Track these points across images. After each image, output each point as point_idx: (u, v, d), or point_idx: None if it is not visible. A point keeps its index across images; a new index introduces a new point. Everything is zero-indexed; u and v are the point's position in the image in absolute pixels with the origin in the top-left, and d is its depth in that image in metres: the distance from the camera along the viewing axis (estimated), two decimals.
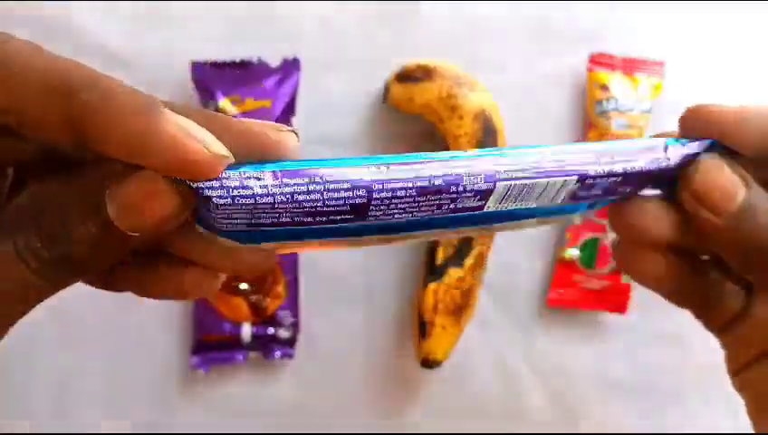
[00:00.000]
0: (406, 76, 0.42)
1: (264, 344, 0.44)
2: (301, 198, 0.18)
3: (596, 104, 0.44)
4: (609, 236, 0.45)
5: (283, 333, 0.44)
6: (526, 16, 0.45)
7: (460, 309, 0.42)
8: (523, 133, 0.44)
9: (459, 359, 0.45)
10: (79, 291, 0.44)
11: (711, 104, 0.23)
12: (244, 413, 0.45)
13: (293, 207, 0.18)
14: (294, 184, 0.17)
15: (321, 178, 0.18)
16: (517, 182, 0.19)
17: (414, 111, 0.43)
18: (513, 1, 0.45)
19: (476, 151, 0.19)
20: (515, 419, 0.46)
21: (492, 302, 0.46)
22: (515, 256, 0.46)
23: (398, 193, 0.18)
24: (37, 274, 0.18)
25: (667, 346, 0.46)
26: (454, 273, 0.42)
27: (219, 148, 0.17)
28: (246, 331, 0.44)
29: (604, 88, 0.44)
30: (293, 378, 0.45)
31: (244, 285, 0.44)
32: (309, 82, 0.44)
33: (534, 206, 0.21)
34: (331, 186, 0.18)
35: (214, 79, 0.42)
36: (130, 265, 0.20)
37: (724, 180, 0.21)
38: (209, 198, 0.17)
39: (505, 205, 0.20)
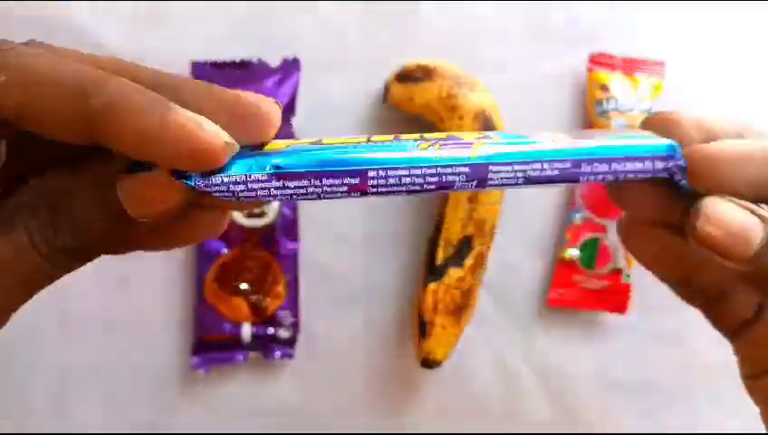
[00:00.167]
0: (406, 76, 0.42)
1: (264, 344, 0.44)
2: (300, 191, 0.19)
3: (596, 104, 0.44)
4: (609, 236, 0.45)
5: (283, 333, 0.44)
6: (526, 16, 0.45)
7: (460, 309, 0.42)
8: None
9: (459, 359, 0.45)
10: (79, 291, 0.45)
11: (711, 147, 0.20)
12: (244, 413, 0.45)
13: (293, 197, 0.19)
14: (295, 186, 0.19)
15: (320, 181, 0.19)
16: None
17: (414, 111, 0.43)
18: (513, 1, 0.45)
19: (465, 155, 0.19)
20: (515, 419, 0.46)
21: (492, 302, 0.46)
22: (515, 256, 0.46)
23: (394, 188, 0.20)
24: (48, 260, 0.18)
25: (667, 346, 0.46)
26: (454, 273, 0.42)
27: (225, 136, 0.18)
28: (246, 331, 0.44)
29: (604, 88, 0.44)
30: (293, 378, 0.45)
31: (244, 285, 0.44)
32: (309, 82, 0.44)
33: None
34: (329, 188, 0.19)
35: (214, 79, 0.42)
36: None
37: (738, 226, 0.19)
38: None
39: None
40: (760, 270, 0.20)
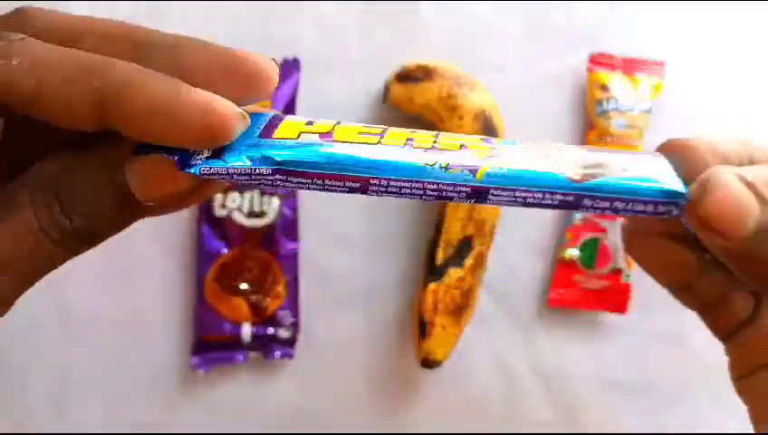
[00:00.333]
0: (406, 76, 0.42)
1: (264, 344, 0.44)
2: (303, 186, 0.19)
3: (596, 104, 0.44)
4: (610, 237, 0.45)
5: (283, 333, 0.44)
6: (526, 16, 0.45)
7: (460, 309, 0.42)
8: (523, 133, 0.44)
9: (459, 359, 0.45)
10: (79, 291, 0.45)
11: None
12: (244, 413, 0.45)
13: (295, 188, 0.20)
14: (297, 182, 0.19)
15: (323, 181, 0.19)
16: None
17: (414, 112, 0.43)
18: (513, 1, 0.45)
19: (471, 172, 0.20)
20: (515, 419, 0.46)
21: (492, 302, 0.46)
22: (515, 256, 0.46)
23: (393, 195, 0.20)
24: (57, 243, 0.18)
25: (667, 346, 0.46)
26: (454, 273, 0.42)
27: (236, 108, 0.18)
28: (246, 331, 0.44)
29: (604, 88, 0.44)
30: (293, 378, 0.45)
31: (244, 285, 0.44)
32: (309, 82, 0.44)
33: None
34: (331, 186, 0.19)
35: None
36: None
37: (737, 203, 0.18)
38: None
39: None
40: (753, 258, 0.20)
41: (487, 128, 0.41)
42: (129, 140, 0.18)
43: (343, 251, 0.45)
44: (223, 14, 0.44)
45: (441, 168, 0.19)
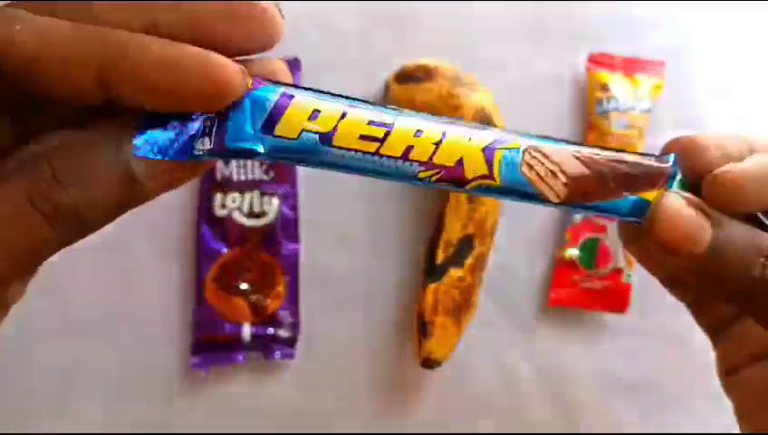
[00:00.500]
0: (406, 76, 0.42)
1: (264, 344, 0.44)
2: (298, 164, 0.20)
3: (596, 104, 0.44)
4: (610, 236, 0.45)
5: (283, 333, 0.44)
6: (526, 16, 0.45)
7: (460, 309, 0.42)
8: None
9: (459, 359, 0.44)
10: (79, 291, 0.45)
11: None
12: (244, 413, 0.45)
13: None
14: (294, 163, 0.20)
15: (317, 166, 0.20)
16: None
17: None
18: (512, 1, 0.45)
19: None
20: (515, 419, 0.46)
21: (492, 302, 0.46)
22: (515, 256, 0.46)
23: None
24: (50, 222, 0.17)
25: (667, 346, 0.46)
26: (454, 273, 0.42)
27: (240, 67, 0.18)
28: (246, 331, 0.44)
29: (604, 88, 0.44)
30: (293, 378, 0.45)
31: (244, 285, 0.44)
32: (309, 83, 0.44)
33: None
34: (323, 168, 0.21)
35: None
36: None
37: (688, 224, 0.20)
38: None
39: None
40: (711, 277, 0.21)
41: None
42: (131, 116, 0.18)
43: (343, 251, 0.45)
44: None
45: (430, 181, 0.21)
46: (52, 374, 0.44)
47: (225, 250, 0.44)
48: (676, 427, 0.46)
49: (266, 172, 0.44)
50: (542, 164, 0.21)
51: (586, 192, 0.21)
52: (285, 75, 0.20)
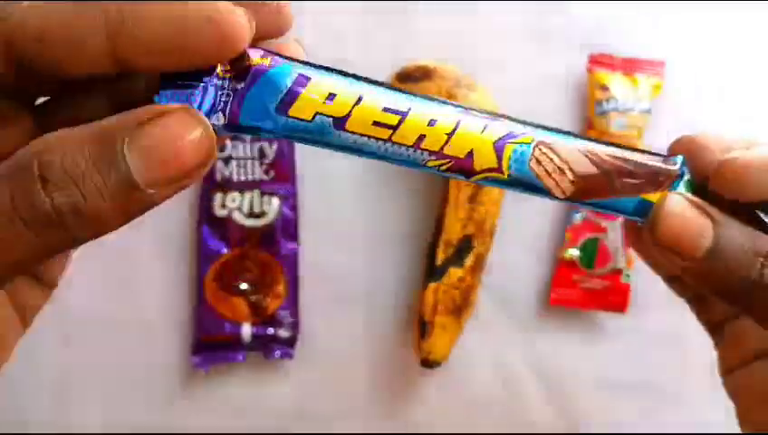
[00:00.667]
0: (406, 76, 0.42)
1: (264, 344, 0.44)
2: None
3: (596, 104, 0.44)
4: (609, 237, 0.45)
5: (283, 333, 0.44)
6: (526, 16, 0.45)
7: (460, 309, 0.42)
8: None
9: (459, 359, 0.45)
10: (79, 291, 0.45)
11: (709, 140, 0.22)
12: (244, 413, 0.45)
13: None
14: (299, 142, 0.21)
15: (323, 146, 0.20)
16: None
17: None
18: (512, 1, 0.45)
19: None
20: (515, 419, 0.46)
21: (492, 302, 0.46)
22: (515, 256, 0.46)
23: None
24: (38, 234, 0.16)
25: (667, 346, 0.46)
26: (454, 273, 0.42)
27: (244, 17, 0.18)
28: (246, 331, 0.44)
29: (604, 88, 0.44)
30: (293, 378, 0.45)
31: (244, 285, 0.44)
32: None
33: None
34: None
35: None
36: None
37: (690, 225, 0.20)
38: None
39: None
40: (711, 279, 0.21)
41: None
42: (145, 72, 0.18)
43: (343, 251, 0.45)
44: None
45: (438, 170, 0.21)
46: (53, 374, 0.44)
47: (225, 250, 0.44)
48: (676, 427, 0.46)
49: (266, 172, 0.44)
50: (552, 161, 0.21)
51: (592, 190, 0.21)
52: (302, 56, 0.20)
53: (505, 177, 0.21)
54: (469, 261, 0.42)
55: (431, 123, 0.20)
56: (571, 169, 0.21)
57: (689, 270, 0.21)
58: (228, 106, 0.19)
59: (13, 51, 0.17)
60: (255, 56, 0.19)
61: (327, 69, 0.20)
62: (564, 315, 0.46)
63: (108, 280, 0.44)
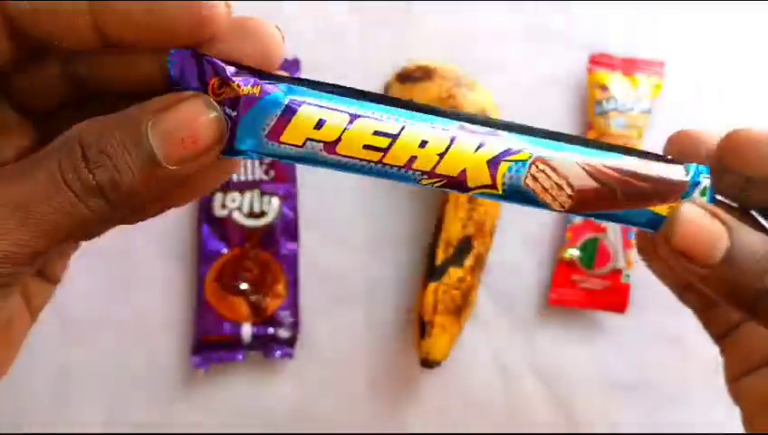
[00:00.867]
0: (406, 76, 0.42)
1: (264, 344, 0.44)
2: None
3: (596, 104, 0.44)
4: (609, 236, 0.45)
5: (283, 333, 0.44)
6: (526, 17, 0.45)
7: (460, 309, 0.42)
8: None
9: (459, 359, 0.45)
10: (79, 291, 0.45)
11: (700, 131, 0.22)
12: (244, 413, 0.45)
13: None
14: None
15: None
16: None
17: None
18: (513, 1, 0.45)
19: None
20: (515, 419, 0.46)
21: (492, 302, 0.46)
22: (515, 256, 0.46)
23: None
24: (79, 197, 0.18)
25: (667, 346, 0.46)
26: (454, 273, 0.42)
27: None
28: (246, 331, 0.44)
29: (604, 88, 0.44)
30: (293, 378, 0.45)
31: (244, 285, 0.44)
32: None
33: None
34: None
35: None
36: None
37: (706, 232, 0.20)
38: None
39: None
40: (726, 286, 0.21)
41: None
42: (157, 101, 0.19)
43: (343, 251, 0.45)
44: None
45: (435, 187, 0.21)
46: (53, 374, 0.44)
47: (225, 250, 0.44)
48: (676, 427, 0.46)
49: (266, 172, 0.44)
50: (549, 177, 0.21)
51: (592, 203, 0.21)
52: (277, 46, 0.21)
53: (500, 192, 0.21)
54: (469, 261, 0.42)
55: (422, 145, 0.20)
56: (569, 185, 0.21)
57: (704, 277, 0.21)
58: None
59: (13, 25, 0.19)
60: (245, 86, 0.20)
61: (318, 86, 0.20)
62: (564, 315, 0.46)
63: (108, 280, 0.44)
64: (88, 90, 0.21)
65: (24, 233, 0.18)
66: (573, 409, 0.46)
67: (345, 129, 0.20)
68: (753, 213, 0.24)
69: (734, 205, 0.24)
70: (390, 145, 0.20)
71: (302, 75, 0.44)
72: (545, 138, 0.21)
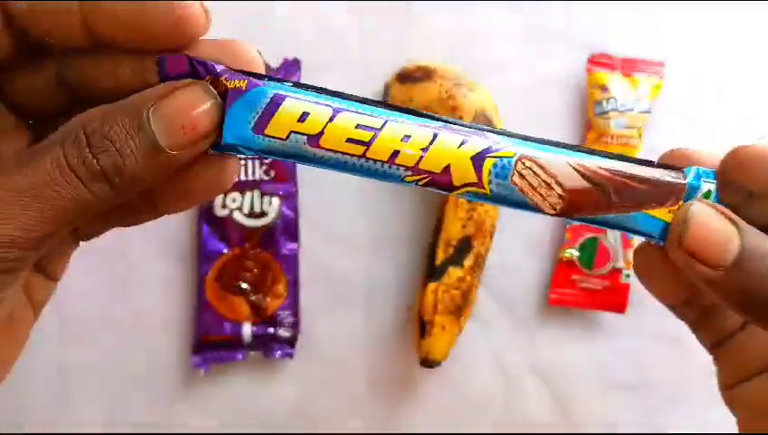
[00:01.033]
0: (406, 76, 0.43)
1: (265, 344, 0.44)
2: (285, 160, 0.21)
3: (595, 105, 0.44)
4: (609, 237, 0.45)
5: (284, 333, 0.44)
6: (526, 17, 0.45)
7: (460, 309, 0.42)
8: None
9: (459, 359, 0.45)
10: (79, 291, 0.45)
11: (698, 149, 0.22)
12: (244, 413, 0.45)
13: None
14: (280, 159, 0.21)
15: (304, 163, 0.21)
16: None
17: None
18: (513, 1, 0.45)
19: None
20: (515, 418, 0.46)
21: (492, 302, 0.46)
22: (515, 256, 0.46)
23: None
24: (87, 186, 0.19)
25: (667, 346, 0.46)
26: (453, 273, 0.42)
27: (202, 6, 0.20)
28: (247, 330, 0.44)
29: (604, 88, 0.44)
30: (294, 377, 0.45)
31: (244, 285, 0.44)
32: (309, 82, 0.44)
33: None
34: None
35: None
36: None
37: (718, 233, 0.20)
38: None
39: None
40: (736, 288, 0.20)
41: None
42: (156, 89, 0.19)
43: (343, 251, 0.45)
44: (223, 14, 0.44)
45: (418, 184, 0.21)
46: (53, 374, 0.44)
47: (225, 250, 0.44)
48: (676, 427, 0.46)
49: (266, 172, 0.44)
50: (536, 175, 0.20)
51: (585, 205, 0.20)
52: (258, 64, 0.21)
53: (487, 192, 0.20)
54: (469, 261, 0.42)
55: (405, 139, 0.20)
56: (558, 184, 0.20)
57: (712, 281, 0.20)
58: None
59: (11, 22, 0.19)
60: (233, 79, 0.20)
61: (304, 86, 0.21)
62: (564, 315, 0.46)
63: (108, 280, 0.44)
64: (81, 97, 0.21)
65: (29, 218, 0.18)
66: (573, 408, 0.46)
67: (328, 122, 0.20)
68: None
69: None
70: (373, 139, 0.20)
71: (302, 75, 0.44)
72: (531, 141, 0.21)
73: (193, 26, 0.20)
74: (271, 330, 0.44)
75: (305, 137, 0.20)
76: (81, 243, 0.24)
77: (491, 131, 0.21)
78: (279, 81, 0.21)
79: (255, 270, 0.44)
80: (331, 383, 0.45)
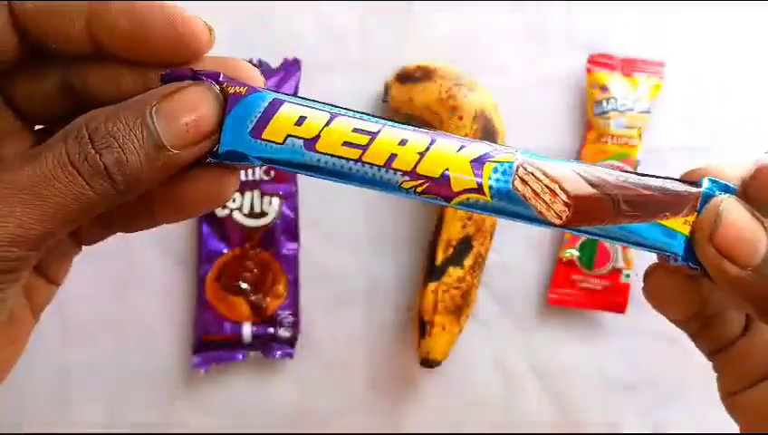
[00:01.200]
0: (406, 77, 0.42)
1: (265, 344, 0.44)
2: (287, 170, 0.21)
3: (595, 105, 0.44)
4: None
5: (284, 333, 0.44)
6: (526, 17, 0.45)
7: (460, 309, 0.42)
8: (523, 134, 0.44)
9: (459, 359, 0.45)
10: (80, 291, 0.45)
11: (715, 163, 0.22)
12: (245, 413, 0.45)
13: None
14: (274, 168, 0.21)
15: (305, 174, 0.21)
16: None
17: (414, 112, 0.43)
18: (513, 1, 0.45)
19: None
20: (515, 418, 0.46)
21: (492, 302, 0.46)
22: (515, 256, 0.46)
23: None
24: (89, 182, 0.19)
25: (666, 346, 0.46)
26: (454, 273, 0.42)
27: (204, 23, 0.20)
28: (247, 330, 0.44)
29: (603, 88, 0.44)
30: (294, 377, 0.45)
31: (244, 285, 0.44)
32: (309, 83, 0.44)
33: None
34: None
35: None
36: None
37: (751, 231, 0.20)
38: None
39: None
40: (761, 289, 0.20)
41: (487, 128, 0.41)
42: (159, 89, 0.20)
43: (343, 251, 0.45)
44: (223, 14, 0.44)
45: (415, 193, 0.20)
46: (53, 374, 0.44)
47: (225, 250, 0.44)
48: (676, 426, 0.46)
49: (267, 172, 0.44)
50: (539, 180, 0.20)
51: (593, 214, 0.20)
52: (257, 80, 0.21)
53: (488, 198, 0.20)
54: (469, 261, 0.42)
55: (402, 143, 0.20)
56: (563, 190, 0.19)
57: (737, 280, 0.20)
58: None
59: (17, 22, 0.20)
60: (234, 86, 0.20)
61: (303, 98, 0.21)
62: (564, 315, 0.46)
63: (108, 280, 0.44)
64: (85, 104, 0.21)
65: (30, 216, 0.18)
66: (573, 408, 0.46)
67: (325, 126, 0.20)
68: None
69: None
70: (370, 142, 0.20)
71: (302, 75, 0.44)
72: (532, 153, 0.20)
73: (196, 43, 0.20)
74: (271, 330, 0.44)
75: (302, 140, 0.20)
76: (84, 247, 0.24)
77: (488, 145, 0.20)
78: (278, 93, 0.21)
79: (255, 270, 0.44)
80: (331, 383, 0.45)
